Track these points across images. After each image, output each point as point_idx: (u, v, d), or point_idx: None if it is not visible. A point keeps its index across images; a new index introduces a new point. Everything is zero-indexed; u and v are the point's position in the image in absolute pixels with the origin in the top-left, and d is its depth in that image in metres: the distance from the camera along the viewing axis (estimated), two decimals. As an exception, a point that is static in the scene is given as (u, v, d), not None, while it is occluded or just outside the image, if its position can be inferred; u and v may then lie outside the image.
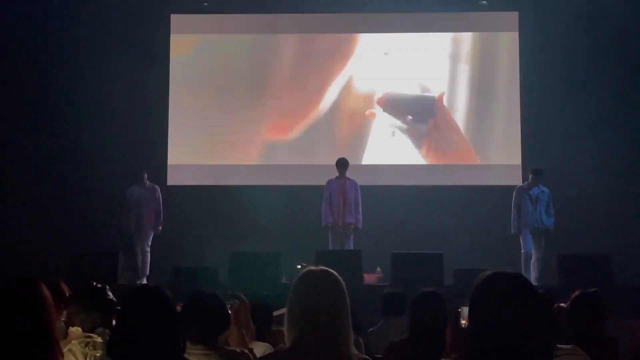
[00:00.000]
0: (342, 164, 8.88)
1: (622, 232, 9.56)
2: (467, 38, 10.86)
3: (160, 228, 8.92)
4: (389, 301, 5.13)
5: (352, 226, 8.83)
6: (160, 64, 10.84)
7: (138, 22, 10.58)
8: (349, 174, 9.00)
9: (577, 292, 3.66)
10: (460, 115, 10.74)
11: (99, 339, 3.05)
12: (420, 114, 10.68)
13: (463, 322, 2.57)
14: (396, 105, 10.72)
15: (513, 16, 10.80)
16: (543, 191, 8.76)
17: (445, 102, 10.74)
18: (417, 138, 10.67)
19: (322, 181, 9.04)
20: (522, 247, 8.76)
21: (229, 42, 11.09)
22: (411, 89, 10.78)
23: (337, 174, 8.91)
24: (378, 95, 10.74)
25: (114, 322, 3.11)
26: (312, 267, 2.26)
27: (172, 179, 10.66)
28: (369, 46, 10.95)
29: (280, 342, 2.19)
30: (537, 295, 1.82)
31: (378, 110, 10.77)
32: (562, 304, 3.83)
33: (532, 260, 8.64)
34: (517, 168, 10.37)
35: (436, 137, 10.64)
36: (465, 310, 1.99)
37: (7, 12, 10.29)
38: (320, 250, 8.22)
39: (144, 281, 8.72)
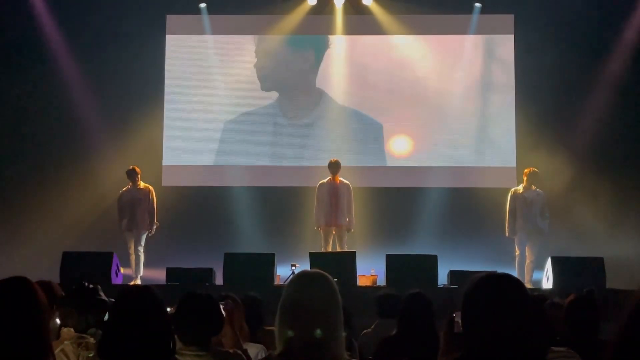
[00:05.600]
0: (334, 165, 8.87)
1: (616, 235, 9.58)
2: (462, 41, 10.88)
3: (155, 228, 8.91)
4: (383, 303, 5.13)
5: (345, 228, 8.82)
6: (155, 64, 10.82)
7: (134, 23, 10.55)
8: (343, 175, 8.99)
9: (572, 296, 3.66)
10: (455, 117, 10.76)
11: (92, 340, 3.04)
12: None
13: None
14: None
15: (508, 19, 10.83)
16: (538, 194, 8.77)
17: (440, 105, 10.77)
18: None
19: (316, 182, 9.03)
20: (516, 249, 8.77)
21: (224, 43, 11.08)
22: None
23: (329, 175, 8.90)
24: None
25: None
26: (306, 269, 2.26)
27: (167, 180, 10.65)
28: (365, 48, 10.96)
29: (273, 342, 2.18)
30: (529, 297, 1.82)
31: (378, 116, 10.81)
32: (556, 300, 3.83)
33: (527, 263, 8.66)
34: (512, 170, 10.39)
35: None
36: (459, 316, 1.98)
37: (5, 10, 10.29)
38: (314, 251, 8.22)
39: (138, 281, 8.71)
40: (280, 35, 10.93)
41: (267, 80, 10.93)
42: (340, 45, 10.96)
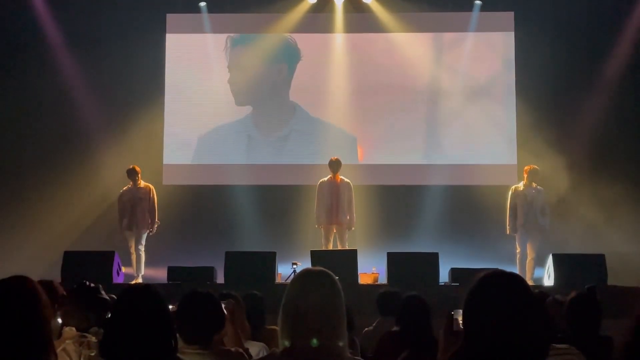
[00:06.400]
0: (334, 164, 8.86)
1: (617, 232, 9.58)
2: (462, 38, 10.86)
3: (155, 227, 8.91)
4: (385, 301, 5.13)
5: (346, 226, 8.81)
6: (156, 63, 10.82)
7: (134, 22, 10.55)
8: (344, 173, 8.98)
9: (573, 293, 3.66)
10: (456, 115, 10.75)
11: (93, 339, 3.04)
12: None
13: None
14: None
15: (508, 16, 10.82)
16: (538, 191, 8.77)
17: (440, 102, 10.76)
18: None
19: (317, 181, 9.02)
20: (517, 246, 8.76)
21: (223, 42, 11.07)
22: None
23: (330, 174, 8.89)
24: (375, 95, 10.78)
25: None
26: (309, 267, 2.25)
27: (168, 179, 10.65)
28: (365, 46, 10.95)
29: (275, 341, 2.18)
30: (532, 295, 1.82)
31: (374, 115, 10.80)
32: (557, 297, 3.83)
33: (528, 260, 8.65)
34: (513, 168, 10.38)
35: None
36: (458, 313, 1.98)
37: (5, 10, 10.29)
38: (315, 249, 8.22)
39: (140, 280, 8.71)
40: (280, 34, 10.92)
41: (240, 94, 10.89)
42: (340, 42, 10.92)
